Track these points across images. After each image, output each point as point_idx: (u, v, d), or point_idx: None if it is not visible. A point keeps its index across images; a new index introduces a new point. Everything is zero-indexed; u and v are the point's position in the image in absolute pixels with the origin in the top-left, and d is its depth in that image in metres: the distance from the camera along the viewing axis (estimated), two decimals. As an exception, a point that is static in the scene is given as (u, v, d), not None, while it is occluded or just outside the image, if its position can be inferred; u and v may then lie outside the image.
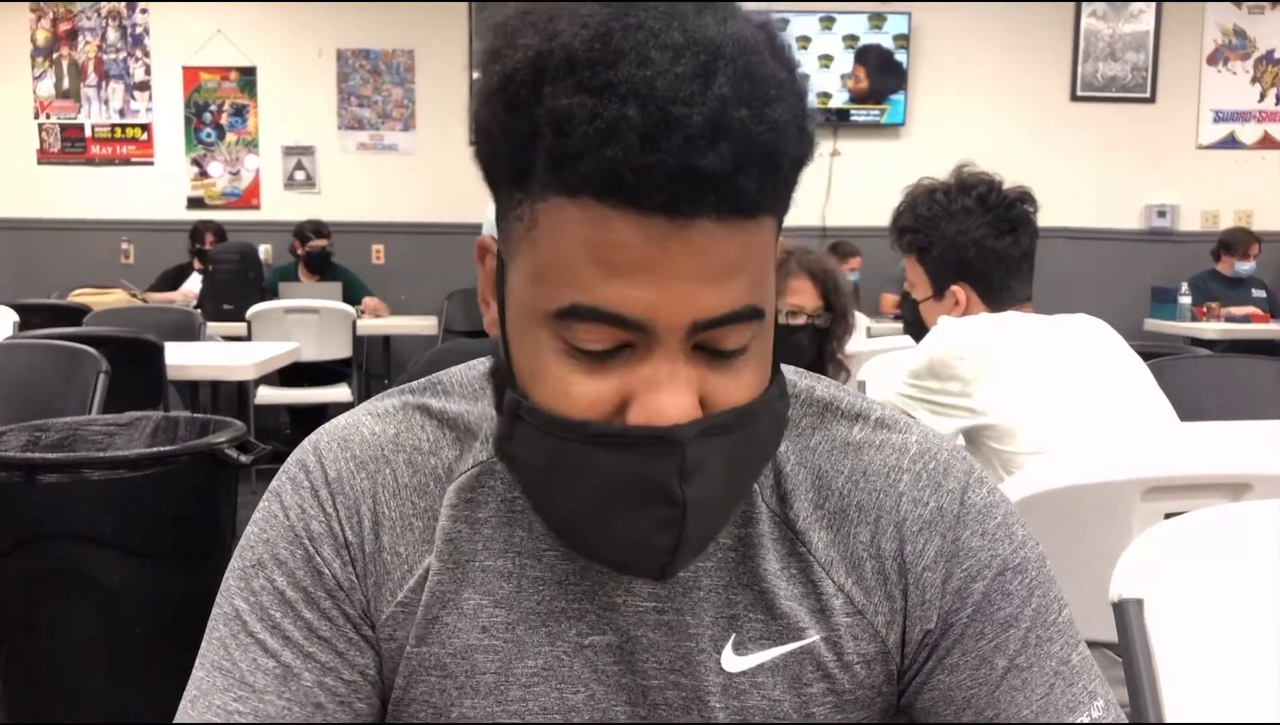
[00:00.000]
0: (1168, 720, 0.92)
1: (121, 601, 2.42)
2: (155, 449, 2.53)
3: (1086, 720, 0.73)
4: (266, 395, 5.39)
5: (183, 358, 3.63)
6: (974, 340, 1.73)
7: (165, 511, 2.46)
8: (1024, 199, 1.85)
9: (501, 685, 0.73)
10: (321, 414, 5.63)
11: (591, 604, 0.73)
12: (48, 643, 2.44)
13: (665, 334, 0.61)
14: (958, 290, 1.84)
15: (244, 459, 2.51)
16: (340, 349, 5.39)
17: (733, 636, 0.73)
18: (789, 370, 0.79)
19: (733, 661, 0.73)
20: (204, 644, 0.75)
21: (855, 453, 0.76)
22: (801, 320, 2.15)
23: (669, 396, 0.62)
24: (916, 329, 1.96)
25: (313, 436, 0.78)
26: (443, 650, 0.73)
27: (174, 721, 0.74)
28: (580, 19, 0.59)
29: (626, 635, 0.73)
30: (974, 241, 1.81)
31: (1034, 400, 1.66)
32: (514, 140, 0.61)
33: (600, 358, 0.63)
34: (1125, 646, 0.94)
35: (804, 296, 2.16)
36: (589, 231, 0.59)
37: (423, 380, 0.79)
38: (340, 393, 5.48)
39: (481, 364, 0.80)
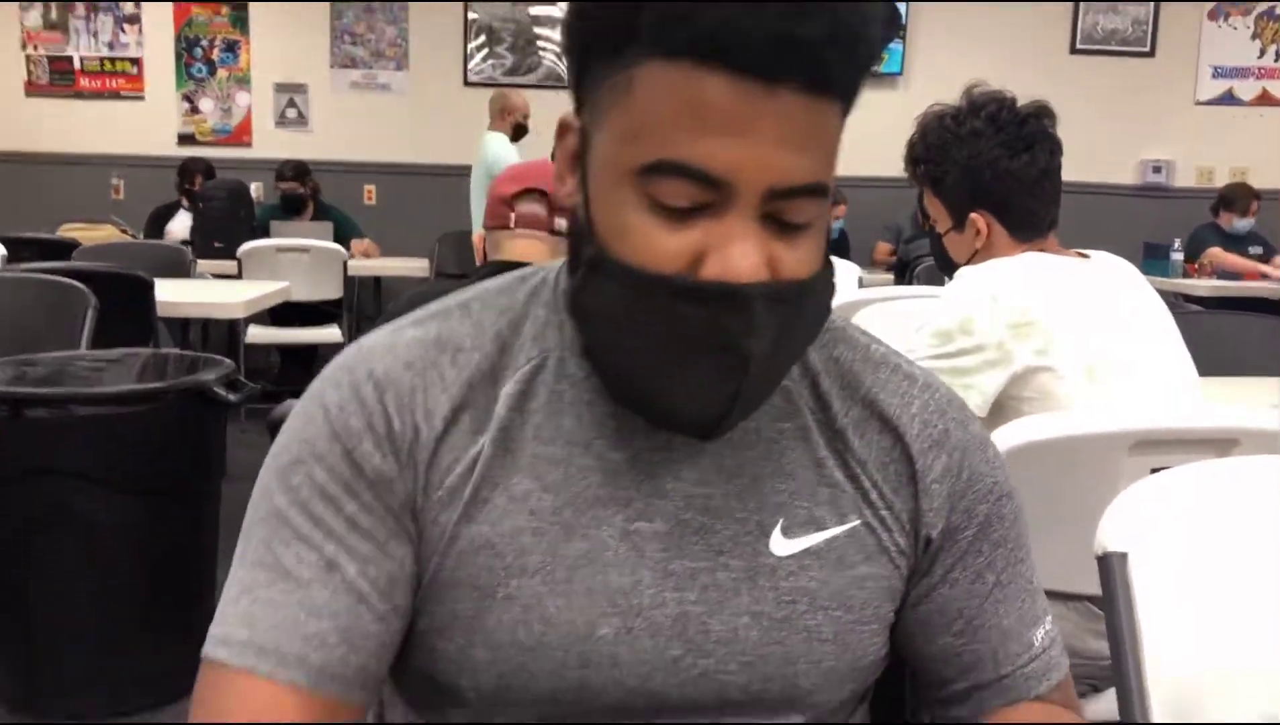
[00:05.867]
0: (1148, 673, 0.93)
1: (109, 538, 2.43)
2: (144, 385, 2.52)
3: (1043, 631, 0.83)
4: (257, 335, 5.37)
5: (173, 295, 3.61)
6: (1004, 287, 1.64)
7: (153, 448, 2.45)
8: (1039, 114, 1.74)
9: (549, 566, 0.74)
10: (312, 355, 5.62)
11: (639, 492, 0.76)
12: (35, 578, 2.44)
13: (744, 194, 0.66)
14: (977, 218, 1.75)
15: (233, 397, 2.50)
16: (331, 290, 5.36)
17: (780, 521, 0.78)
18: None
19: (781, 545, 0.77)
20: (241, 548, 0.75)
21: (874, 370, 0.82)
22: None
23: (742, 253, 0.66)
24: (944, 264, 1.87)
25: (352, 347, 0.79)
26: (491, 530, 0.74)
27: (217, 621, 0.74)
28: None
29: (674, 520, 0.76)
30: (988, 164, 1.72)
31: (1071, 347, 1.59)
32: (616, 12, 0.66)
33: (681, 214, 0.67)
34: (1108, 599, 0.94)
35: None
36: (684, 90, 0.64)
37: (455, 292, 0.82)
38: (331, 333, 5.47)
39: (506, 278, 0.82)
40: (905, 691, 0.96)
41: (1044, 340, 1.60)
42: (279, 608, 0.72)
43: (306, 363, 5.67)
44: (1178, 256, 5.85)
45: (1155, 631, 0.93)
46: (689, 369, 0.70)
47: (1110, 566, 0.94)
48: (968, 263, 1.79)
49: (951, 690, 0.83)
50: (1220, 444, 1.38)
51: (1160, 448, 1.36)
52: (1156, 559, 0.95)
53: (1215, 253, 5.85)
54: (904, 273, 5.90)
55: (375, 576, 0.74)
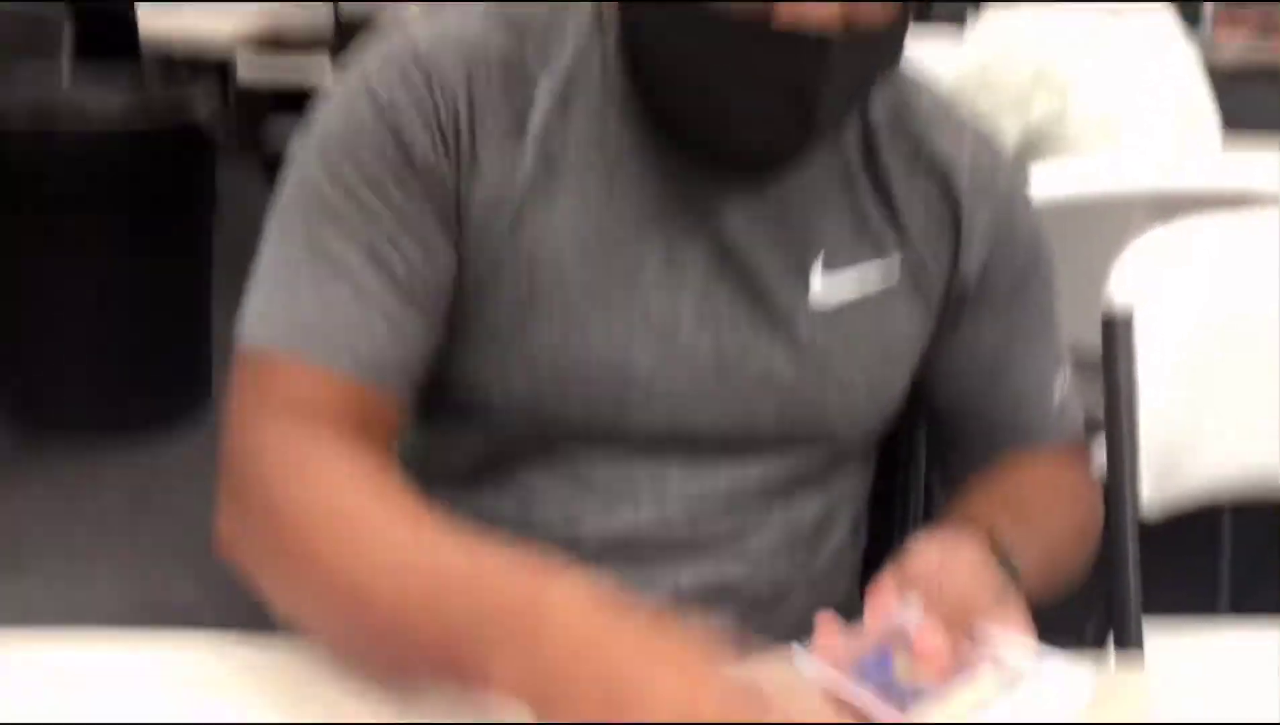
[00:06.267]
0: (1140, 435, 0.92)
1: (103, 260, 2.48)
2: (130, 114, 2.48)
3: (1059, 384, 0.85)
4: (246, 77, 5.19)
5: (156, 21, 3.52)
6: (1030, 33, 1.61)
7: (142, 178, 2.46)
8: None
9: (590, 282, 0.73)
10: (303, 99, 5.47)
11: (682, 218, 0.74)
12: (30, 298, 2.49)
13: None
14: None
15: (221, 130, 2.50)
16: (323, 26, 5.17)
17: (820, 262, 0.76)
18: None
19: (820, 286, 0.76)
20: (275, 235, 0.72)
21: (927, 114, 0.80)
22: None
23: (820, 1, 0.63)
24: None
25: (397, 34, 0.75)
26: (535, 244, 0.72)
27: (253, 308, 0.71)
28: None
29: (714, 255, 0.75)
30: None
31: (1090, 101, 1.57)
32: None
33: None
34: (1109, 361, 0.93)
35: None
36: None
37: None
38: (320, 64, 5.29)
39: None
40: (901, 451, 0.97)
41: (1063, 91, 1.58)
42: (326, 292, 0.69)
43: (299, 105, 5.53)
44: (1208, 13, 5.64)
45: (1152, 387, 0.93)
46: (754, 112, 0.68)
47: (1114, 320, 0.93)
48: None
49: (967, 432, 0.86)
50: (1241, 205, 1.34)
51: (1177, 209, 1.33)
52: (1162, 312, 0.94)
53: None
54: (924, 14, 5.71)
55: (423, 279, 0.71)
